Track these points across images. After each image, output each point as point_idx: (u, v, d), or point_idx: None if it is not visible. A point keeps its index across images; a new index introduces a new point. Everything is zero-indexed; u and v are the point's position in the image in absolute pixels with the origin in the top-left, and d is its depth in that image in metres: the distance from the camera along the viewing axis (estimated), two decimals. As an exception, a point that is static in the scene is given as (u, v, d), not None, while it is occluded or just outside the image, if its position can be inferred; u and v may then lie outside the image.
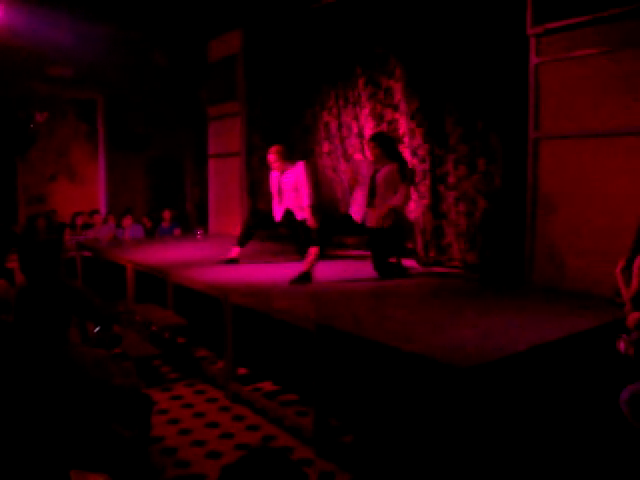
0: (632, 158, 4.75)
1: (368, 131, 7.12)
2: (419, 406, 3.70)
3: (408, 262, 6.46)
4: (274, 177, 6.97)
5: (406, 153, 6.59)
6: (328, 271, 6.22)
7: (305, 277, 5.61)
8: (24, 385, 2.77)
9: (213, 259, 7.15)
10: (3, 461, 2.26)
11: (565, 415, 3.70)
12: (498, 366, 3.29)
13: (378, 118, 7.06)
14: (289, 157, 6.89)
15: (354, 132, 7.51)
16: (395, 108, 6.89)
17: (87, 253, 8.50)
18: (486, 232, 5.98)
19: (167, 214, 10.62)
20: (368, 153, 6.37)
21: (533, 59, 5.38)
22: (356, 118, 7.42)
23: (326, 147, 7.98)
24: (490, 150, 5.91)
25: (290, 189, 6.81)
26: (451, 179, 6.30)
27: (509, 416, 3.40)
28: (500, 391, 3.39)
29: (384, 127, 6.97)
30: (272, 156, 6.84)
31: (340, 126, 7.69)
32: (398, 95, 6.81)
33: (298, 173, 6.71)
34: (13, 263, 6.51)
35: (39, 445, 2.40)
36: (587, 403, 3.75)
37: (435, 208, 6.50)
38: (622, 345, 3.50)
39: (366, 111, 7.21)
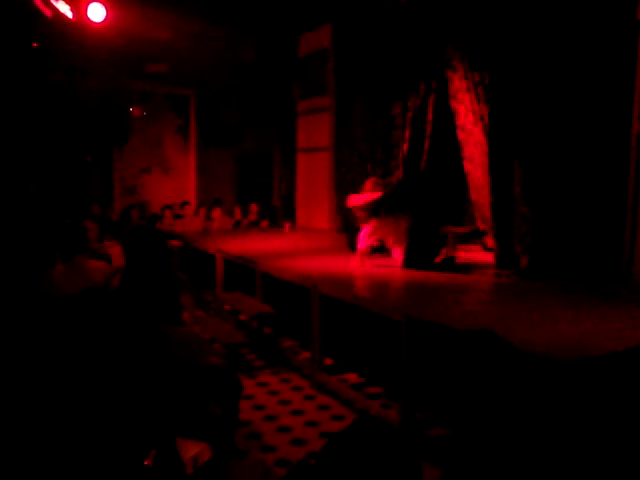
0: None
1: (468, 125, 6.92)
2: (514, 401, 3.59)
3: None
4: None
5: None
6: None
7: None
8: (123, 360, 2.87)
9: (301, 251, 7.23)
10: (111, 427, 2.35)
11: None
12: (599, 363, 3.16)
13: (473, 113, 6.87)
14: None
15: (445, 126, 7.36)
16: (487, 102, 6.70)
17: (177, 242, 8.75)
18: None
19: (254, 207, 10.83)
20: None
21: (641, 48, 5.12)
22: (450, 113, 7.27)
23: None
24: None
25: None
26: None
27: (609, 416, 3.25)
28: (602, 389, 3.24)
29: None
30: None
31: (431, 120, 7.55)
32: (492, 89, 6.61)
33: None
34: (110, 249, 6.78)
35: (145, 413, 2.49)
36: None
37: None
38: None
39: (463, 107, 6.99)
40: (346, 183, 9.19)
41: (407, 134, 7.81)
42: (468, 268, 6.22)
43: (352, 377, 5.44)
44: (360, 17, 8.63)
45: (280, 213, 11.21)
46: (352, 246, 6.70)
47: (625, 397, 3.21)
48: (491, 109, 6.36)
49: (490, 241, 6.60)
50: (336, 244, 7.80)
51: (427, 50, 7.48)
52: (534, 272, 5.70)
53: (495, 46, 6.41)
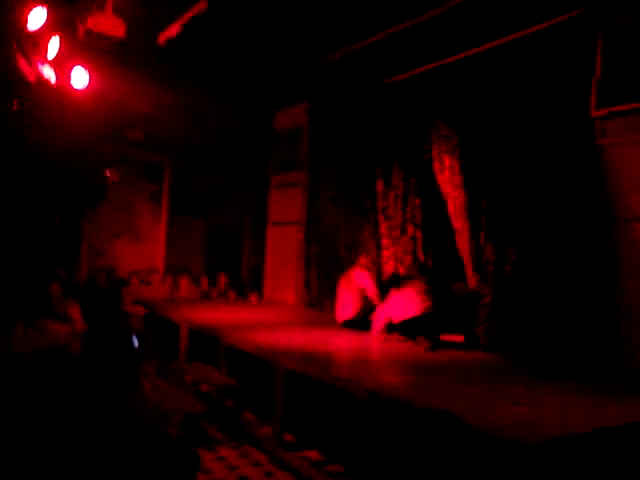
0: None
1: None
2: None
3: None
4: None
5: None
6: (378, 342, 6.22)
7: None
8: (80, 427, 2.81)
9: (267, 324, 7.21)
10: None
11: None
12: (559, 446, 3.17)
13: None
14: None
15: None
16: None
17: (142, 309, 8.65)
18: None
19: (223, 278, 10.81)
20: None
21: (598, 141, 5.40)
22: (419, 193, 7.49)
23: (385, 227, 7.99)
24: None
25: None
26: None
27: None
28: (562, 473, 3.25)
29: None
30: None
31: (404, 200, 7.74)
32: (458, 173, 6.84)
33: None
34: (73, 313, 6.68)
35: None
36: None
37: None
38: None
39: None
40: (315, 257, 9.28)
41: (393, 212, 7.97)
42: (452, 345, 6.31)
43: (313, 454, 5.32)
44: (335, 97, 8.94)
45: (247, 285, 11.19)
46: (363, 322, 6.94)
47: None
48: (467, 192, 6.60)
49: None
50: (302, 318, 7.83)
51: (403, 132, 7.75)
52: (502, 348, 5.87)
53: (470, 126, 6.71)
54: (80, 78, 6.86)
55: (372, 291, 7.17)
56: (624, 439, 3.53)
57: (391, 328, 6.52)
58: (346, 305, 7.20)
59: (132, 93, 9.66)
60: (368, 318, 6.92)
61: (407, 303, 6.35)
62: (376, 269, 7.79)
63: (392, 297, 6.61)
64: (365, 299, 7.15)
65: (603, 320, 5.35)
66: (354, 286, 7.21)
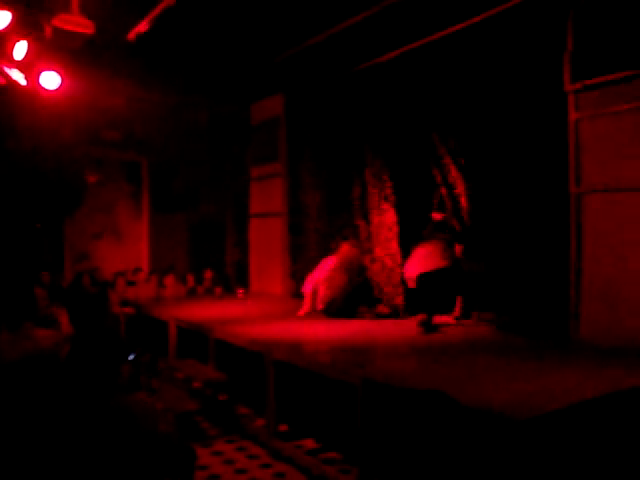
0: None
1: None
2: (473, 461, 3.59)
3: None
4: None
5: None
6: (369, 328, 6.22)
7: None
8: (73, 431, 2.79)
9: (255, 317, 7.20)
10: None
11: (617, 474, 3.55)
12: (546, 420, 3.20)
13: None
14: None
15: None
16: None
17: (130, 310, 8.60)
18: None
19: (208, 273, 10.76)
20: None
21: (572, 115, 5.43)
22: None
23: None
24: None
25: None
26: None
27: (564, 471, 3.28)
28: (557, 446, 3.27)
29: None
30: None
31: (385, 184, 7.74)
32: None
33: None
34: (59, 317, 6.62)
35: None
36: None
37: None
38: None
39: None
40: (299, 248, 9.27)
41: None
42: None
43: (309, 443, 5.34)
44: (311, 87, 8.90)
45: (233, 279, 11.15)
46: None
47: (572, 453, 3.25)
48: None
49: None
50: (290, 309, 7.80)
51: (379, 116, 7.75)
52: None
53: (447, 107, 6.74)
54: (51, 80, 6.75)
55: (340, 279, 7.16)
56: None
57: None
58: (319, 294, 7.20)
59: (105, 93, 9.57)
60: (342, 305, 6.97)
61: (426, 257, 6.40)
62: (362, 254, 7.78)
63: (411, 255, 6.66)
64: (336, 286, 7.13)
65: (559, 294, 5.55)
66: (324, 274, 7.22)
